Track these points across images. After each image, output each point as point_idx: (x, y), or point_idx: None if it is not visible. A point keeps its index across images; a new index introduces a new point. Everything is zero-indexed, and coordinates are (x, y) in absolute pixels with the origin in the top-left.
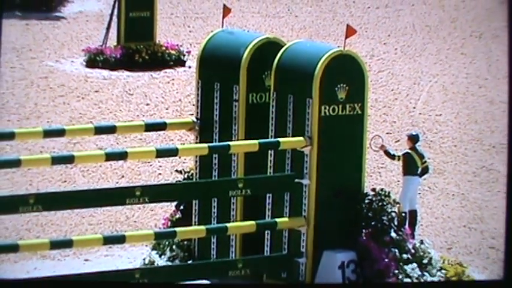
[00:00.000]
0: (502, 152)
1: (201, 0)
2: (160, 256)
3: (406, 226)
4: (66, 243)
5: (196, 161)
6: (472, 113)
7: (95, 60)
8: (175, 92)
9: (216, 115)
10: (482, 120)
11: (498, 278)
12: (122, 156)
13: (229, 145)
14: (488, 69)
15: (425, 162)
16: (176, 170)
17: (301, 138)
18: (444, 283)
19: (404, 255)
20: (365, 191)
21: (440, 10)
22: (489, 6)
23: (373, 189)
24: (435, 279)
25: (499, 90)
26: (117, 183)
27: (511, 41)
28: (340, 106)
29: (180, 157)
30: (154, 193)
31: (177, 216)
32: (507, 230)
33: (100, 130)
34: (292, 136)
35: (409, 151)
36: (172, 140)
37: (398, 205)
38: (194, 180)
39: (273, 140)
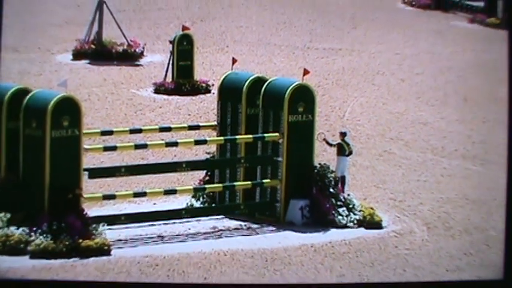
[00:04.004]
0: (397, 142)
1: (219, 55)
2: (196, 201)
3: (339, 185)
4: (143, 194)
5: (217, 147)
6: (378, 118)
7: (159, 89)
8: (205, 108)
9: (229, 121)
10: (385, 123)
11: (409, 226)
12: (175, 144)
13: (236, 138)
14: (388, 93)
15: (350, 148)
16: (206, 152)
17: (277, 134)
18: (444, 283)
19: (338, 203)
20: (314, 165)
21: (359, 58)
22: (388, 56)
23: (319, 164)
24: (357, 217)
25: (395, 105)
26: (172, 159)
27: (511, 45)
28: (300, 115)
29: (208, 145)
30: (193, 165)
31: (206, 178)
32: (507, 230)
33: (162, 129)
34: (272, 133)
35: (341, 141)
36: (203, 135)
37: (334, 173)
38: (216, 158)
39: (261, 135)
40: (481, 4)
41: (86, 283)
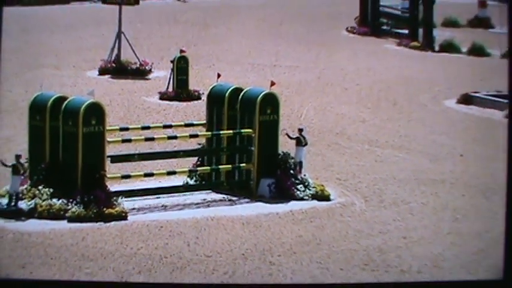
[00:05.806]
0: (342, 136)
1: (208, 71)
2: (191, 180)
3: (298, 168)
4: (151, 174)
5: (206, 140)
6: (327, 118)
7: (163, 97)
8: (197, 110)
9: (215, 120)
10: (333, 122)
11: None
12: (174, 137)
13: (220, 133)
14: (335, 99)
15: (306, 140)
16: (198, 143)
17: (251, 130)
18: (443, 283)
19: (297, 181)
20: (279, 152)
21: (312, 73)
22: (335, 72)
23: (283, 152)
24: (311, 192)
25: (340, 108)
26: (172, 148)
27: (511, 48)
28: (268, 116)
29: (199, 138)
30: (189, 153)
31: (198, 163)
32: (507, 231)
33: (166, 126)
34: (247, 129)
35: (299, 135)
36: (196, 130)
37: (293, 159)
38: (205, 148)
39: (238, 131)
40: (406, 32)
41: (87, 283)
